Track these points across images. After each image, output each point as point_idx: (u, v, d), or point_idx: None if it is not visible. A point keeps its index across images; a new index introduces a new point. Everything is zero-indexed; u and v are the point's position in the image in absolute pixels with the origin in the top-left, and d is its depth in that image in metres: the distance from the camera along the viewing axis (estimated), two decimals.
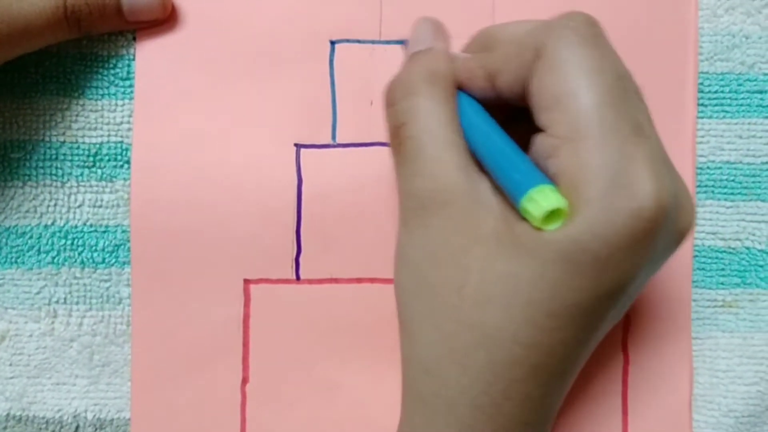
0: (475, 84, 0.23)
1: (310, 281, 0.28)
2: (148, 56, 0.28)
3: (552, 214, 0.19)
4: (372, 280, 0.28)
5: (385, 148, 0.28)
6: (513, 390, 0.20)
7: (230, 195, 0.28)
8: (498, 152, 0.21)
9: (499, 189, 0.22)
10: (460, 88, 0.23)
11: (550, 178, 0.20)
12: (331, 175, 0.28)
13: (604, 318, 0.21)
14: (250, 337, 0.28)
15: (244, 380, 0.28)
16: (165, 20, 0.27)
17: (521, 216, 0.20)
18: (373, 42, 0.28)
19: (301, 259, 0.28)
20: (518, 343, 0.20)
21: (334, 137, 0.28)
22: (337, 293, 0.28)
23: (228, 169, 0.28)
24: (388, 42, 0.28)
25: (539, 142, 0.21)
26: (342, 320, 0.28)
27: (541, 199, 0.19)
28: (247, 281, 0.28)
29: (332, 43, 0.28)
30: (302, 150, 0.28)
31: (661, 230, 0.19)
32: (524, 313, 0.20)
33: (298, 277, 0.28)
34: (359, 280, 0.28)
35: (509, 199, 0.21)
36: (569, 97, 0.20)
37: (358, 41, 0.28)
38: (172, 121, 0.28)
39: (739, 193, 0.28)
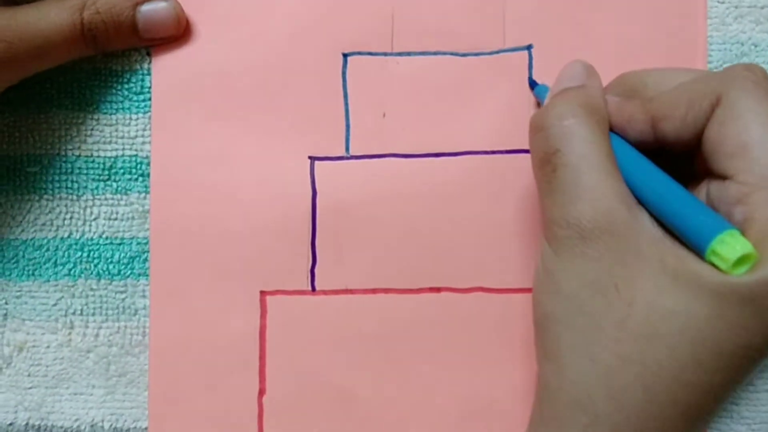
0: (634, 127, 0.23)
1: (325, 292, 0.28)
2: (165, 71, 0.28)
3: (738, 261, 0.20)
4: (387, 291, 0.28)
5: (399, 160, 0.28)
6: (665, 429, 0.20)
7: (246, 208, 0.28)
8: (672, 194, 0.21)
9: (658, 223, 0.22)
10: (612, 129, 0.23)
11: (735, 225, 0.21)
12: (345, 187, 0.28)
13: (766, 359, 0.21)
14: (267, 348, 0.28)
15: (261, 392, 0.28)
16: (179, 37, 0.28)
17: (695, 254, 0.20)
18: (385, 54, 0.28)
19: (316, 271, 0.28)
20: (679, 381, 0.20)
21: (347, 149, 0.28)
22: (352, 304, 0.28)
23: (243, 182, 0.28)
24: (399, 54, 0.28)
25: (721, 188, 0.21)
26: (357, 331, 0.28)
27: (733, 244, 0.20)
28: (263, 293, 0.28)
29: (344, 55, 0.28)
30: (316, 162, 0.28)
31: None
32: (691, 352, 0.20)
33: (313, 289, 0.28)
34: (374, 291, 0.28)
35: (683, 238, 0.21)
36: (759, 146, 0.20)
37: (370, 53, 0.28)
38: (189, 135, 0.28)
39: None
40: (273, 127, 0.28)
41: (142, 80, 0.28)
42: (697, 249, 0.21)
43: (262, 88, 0.28)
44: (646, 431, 0.20)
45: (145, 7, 0.27)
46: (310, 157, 0.28)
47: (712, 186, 0.21)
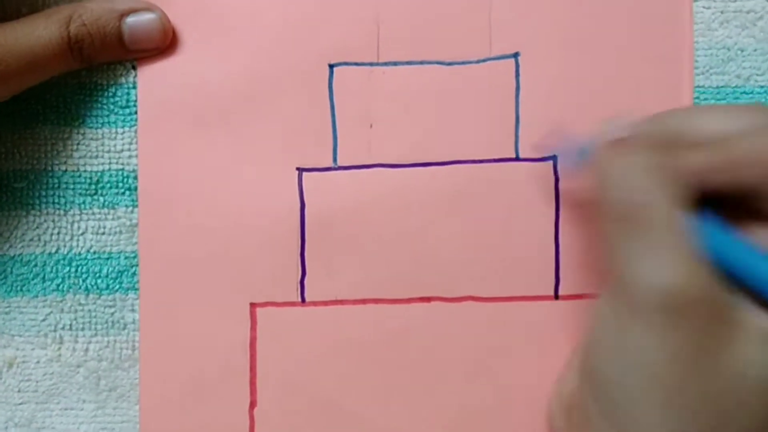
0: (712, 177, 0.21)
1: (315, 304, 0.28)
2: (150, 84, 0.28)
3: None
4: (377, 301, 0.28)
5: (387, 170, 0.28)
6: None
7: (234, 220, 0.28)
8: (757, 265, 0.20)
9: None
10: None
11: None
12: (334, 197, 0.28)
13: None
14: (257, 360, 0.28)
15: (252, 404, 0.28)
16: (166, 48, 0.28)
17: None
18: (371, 64, 0.28)
19: (306, 282, 0.28)
20: None
21: (335, 160, 0.28)
22: (342, 315, 0.28)
23: (231, 194, 0.28)
24: (386, 64, 0.28)
25: None
26: (348, 341, 0.28)
27: None
28: (253, 305, 0.28)
29: (331, 66, 0.28)
30: (304, 174, 0.28)
31: None
32: None
33: (303, 300, 0.28)
34: (364, 302, 0.28)
35: None
36: None
37: (357, 64, 0.28)
38: (175, 148, 0.28)
39: None
40: (260, 139, 0.28)
41: (128, 94, 0.28)
42: None
43: (249, 100, 0.28)
44: None
45: (131, 19, 0.27)
46: (297, 169, 0.28)
47: None
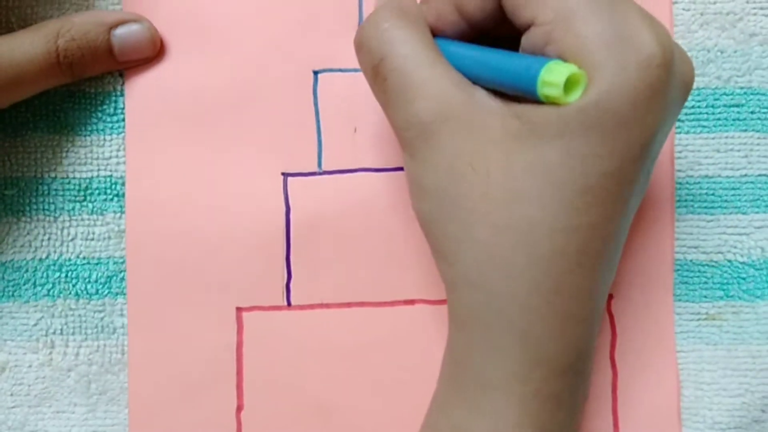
0: (446, 21, 0.23)
1: (301, 307, 0.28)
2: (137, 92, 0.28)
3: (569, 87, 0.20)
4: (361, 304, 0.28)
5: (371, 174, 0.28)
6: (562, 283, 0.21)
7: (221, 225, 0.28)
8: (493, 58, 0.22)
9: (496, 96, 0.22)
10: (434, 34, 0.23)
11: None
12: (318, 202, 0.28)
13: (633, 185, 0.21)
14: (244, 364, 0.28)
15: (239, 408, 0.28)
16: (154, 58, 0.28)
17: (534, 107, 0.21)
18: (355, 71, 0.28)
19: (291, 286, 0.28)
20: (557, 230, 0.20)
21: (320, 165, 0.28)
22: (327, 318, 0.28)
23: (217, 199, 0.28)
24: None
25: (529, 37, 0.21)
26: (334, 344, 0.28)
27: (558, 69, 0.20)
28: (239, 309, 0.28)
29: (315, 73, 0.28)
30: (289, 179, 0.28)
31: (670, 77, 0.20)
32: (557, 199, 0.20)
33: (289, 304, 0.28)
34: (349, 305, 0.28)
35: (520, 94, 0.21)
36: None
37: (341, 70, 0.28)
38: (163, 154, 0.28)
39: (719, 207, 0.28)
40: (246, 145, 0.28)
41: (116, 101, 0.28)
42: (529, 92, 0.21)
43: (235, 106, 0.28)
44: (543, 290, 0.21)
45: (119, 31, 0.27)
46: (283, 174, 0.28)
47: (525, 38, 0.22)
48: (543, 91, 0.20)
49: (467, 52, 0.23)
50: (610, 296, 0.28)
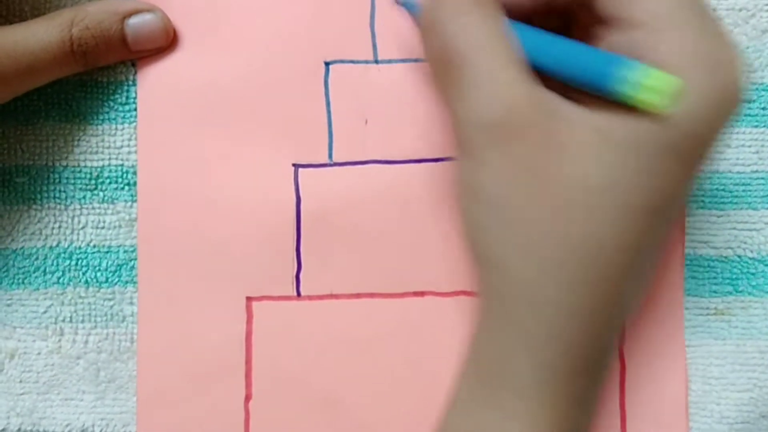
0: (521, 2, 0.22)
1: (310, 297, 0.28)
2: (150, 81, 0.28)
3: (659, 96, 0.19)
4: (371, 295, 0.28)
5: (382, 166, 0.28)
6: (609, 295, 0.21)
7: (231, 215, 0.28)
8: (576, 50, 0.21)
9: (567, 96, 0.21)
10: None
11: None
12: (329, 193, 0.28)
13: (683, 202, 0.21)
14: (253, 354, 0.28)
15: (248, 397, 0.28)
16: (167, 48, 0.28)
17: (612, 117, 0.20)
18: (366, 62, 0.28)
19: (301, 276, 0.28)
20: (621, 250, 0.20)
21: (330, 156, 0.28)
22: (337, 309, 0.28)
23: (229, 189, 0.28)
24: (381, 61, 0.28)
25: (612, 33, 0.20)
26: (343, 335, 0.28)
27: (657, 78, 0.19)
28: (249, 299, 0.28)
29: (327, 64, 0.28)
30: (300, 170, 0.28)
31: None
32: (626, 218, 0.20)
33: (298, 294, 0.28)
34: (358, 296, 0.28)
35: (598, 92, 0.20)
36: None
37: (352, 62, 0.28)
38: (174, 144, 0.28)
39: (729, 203, 0.28)
40: (257, 136, 0.28)
41: (128, 91, 0.28)
42: (614, 92, 0.20)
43: (246, 97, 0.28)
44: (599, 304, 0.21)
45: (133, 20, 0.27)
46: (293, 165, 0.28)
47: (607, 34, 0.21)
48: (642, 95, 0.19)
49: (543, 39, 0.21)
50: None
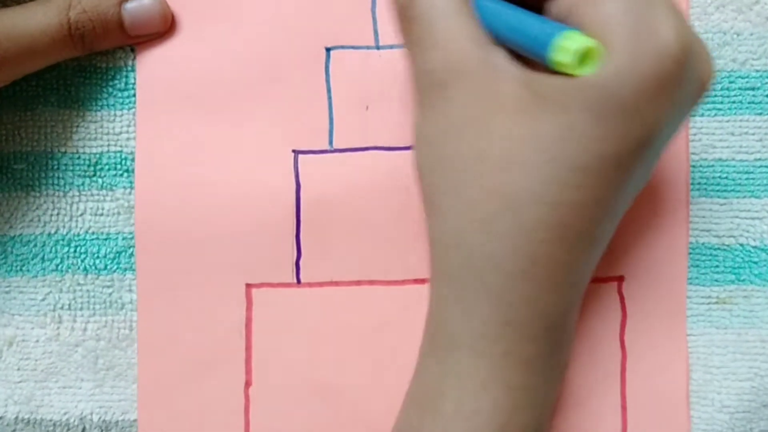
0: None
1: (310, 284, 0.28)
2: (148, 67, 0.28)
3: (584, 59, 0.20)
4: (371, 283, 0.28)
5: (383, 153, 0.28)
6: (540, 253, 0.21)
7: (231, 201, 0.28)
8: (517, 18, 0.22)
9: (516, 59, 0.22)
10: None
11: None
12: (329, 179, 0.28)
13: (630, 174, 0.21)
14: (253, 340, 0.28)
15: (247, 383, 0.28)
16: (165, 33, 0.28)
17: (544, 76, 0.21)
18: (367, 48, 0.28)
19: (301, 263, 0.28)
20: (543, 203, 0.20)
21: (331, 143, 0.28)
22: (337, 296, 0.28)
23: (228, 176, 0.28)
24: (382, 47, 0.28)
25: (553, 4, 0.22)
26: (342, 322, 0.28)
27: (573, 40, 0.20)
28: (249, 285, 0.28)
29: (327, 50, 0.28)
30: (300, 156, 0.28)
31: (684, 73, 0.20)
32: (549, 171, 0.20)
33: (298, 281, 0.28)
34: (358, 283, 0.28)
35: (535, 57, 0.21)
36: None
37: (353, 47, 0.28)
38: (173, 130, 0.28)
39: (732, 191, 0.28)
40: (257, 122, 0.28)
41: (126, 77, 0.28)
42: (541, 56, 0.21)
43: (246, 83, 0.28)
44: (520, 257, 0.21)
45: (130, 5, 0.27)
46: (293, 151, 0.28)
47: (548, 7, 0.22)
48: (555, 56, 0.20)
49: (496, 6, 0.22)
50: (621, 278, 0.28)
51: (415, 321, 0.28)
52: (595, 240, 0.22)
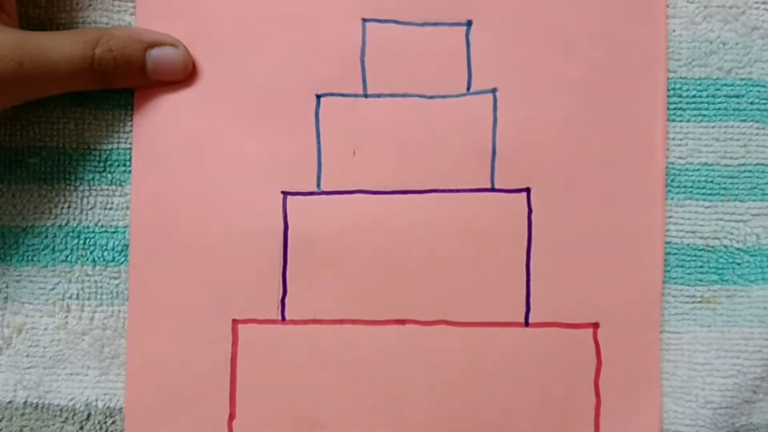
0: None
1: (294, 322, 0.29)
2: (146, 106, 0.29)
3: None
4: (354, 322, 0.29)
5: (368, 196, 0.29)
6: None
7: (220, 239, 0.29)
8: None
9: None
10: None
11: None
12: (316, 220, 0.29)
13: None
14: (238, 374, 0.29)
15: (231, 416, 0.29)
16: (184, 81, 0.29)
17: None
18: (356, 95, 0.29)
19: (286, 301, 0.29)
20: None
21: (318, 185, 0.29)
22: (320, 334, 0.29)
23: (219, 214, 0.29)
24: (370, 95, 0.29)
25: None
26: (325, 359, 0.29)
27: None
28: (235, 321, 0.29)
29: (318, 96, 0.29)
30: (289, 197, 0.29)
31: None
32: None
33: (283, 318, 0.29)
34: (341, 322, 0.29)
35: None
36: None
37: (342, 95, 0.29)
38: (168, 170, 0.29)
39: (717, 194, 0.29)
40: (248, 163, 0.29)
41: None
42: None
43: (240, 126, 0.29)
44: None
45: (156, 51, 0.28)
46: (282, 192, 0.29)
47: None
48: None
49: None
50: (596, 325, 0.29)
51: (395, 360, 0.29)
52: None
